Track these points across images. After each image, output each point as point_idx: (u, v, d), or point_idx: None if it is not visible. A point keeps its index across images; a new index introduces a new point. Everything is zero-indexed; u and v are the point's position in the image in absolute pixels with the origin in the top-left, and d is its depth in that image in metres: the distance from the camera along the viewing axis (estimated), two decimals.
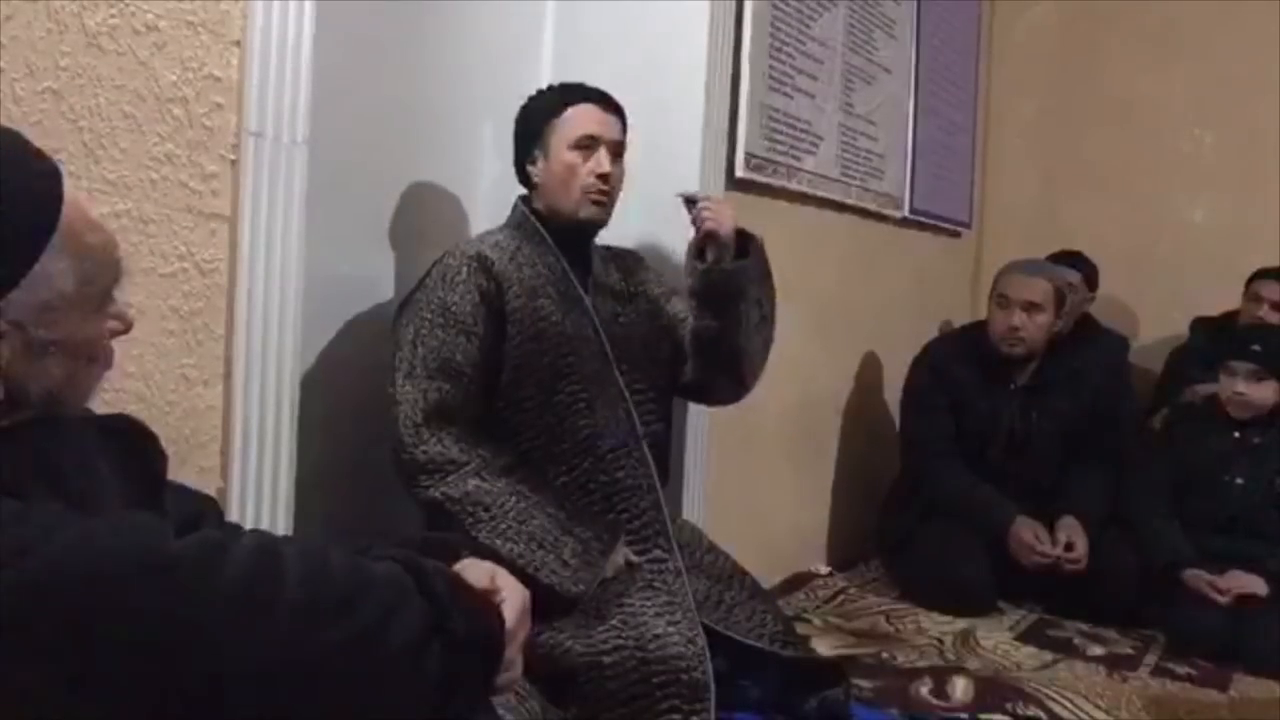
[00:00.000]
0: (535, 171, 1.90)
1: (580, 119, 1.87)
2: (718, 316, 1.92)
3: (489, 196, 2.26)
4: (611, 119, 1.90)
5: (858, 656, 2.38)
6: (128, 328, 0.97)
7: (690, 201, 1.90)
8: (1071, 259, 3.39)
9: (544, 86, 1.97)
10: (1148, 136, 3.90)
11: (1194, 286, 3.65)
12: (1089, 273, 3.43)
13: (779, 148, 2.64)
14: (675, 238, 2.13)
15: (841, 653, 2.38)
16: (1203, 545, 2.62)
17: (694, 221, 1.90)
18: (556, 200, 1.89)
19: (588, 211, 1.88)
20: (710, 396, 2.15)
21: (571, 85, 1.92)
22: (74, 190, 0.91)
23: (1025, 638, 2.60)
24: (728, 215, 1.89)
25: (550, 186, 1.89)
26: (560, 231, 1.90)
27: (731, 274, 1.88)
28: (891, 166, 3.28)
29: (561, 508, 1.77)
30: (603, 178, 1.86)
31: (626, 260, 2.03)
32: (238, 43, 1.51)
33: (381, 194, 2.06)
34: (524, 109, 1.93)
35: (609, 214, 1.91)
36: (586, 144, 1.86)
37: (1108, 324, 3.57)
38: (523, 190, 1.96)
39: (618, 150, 1.90)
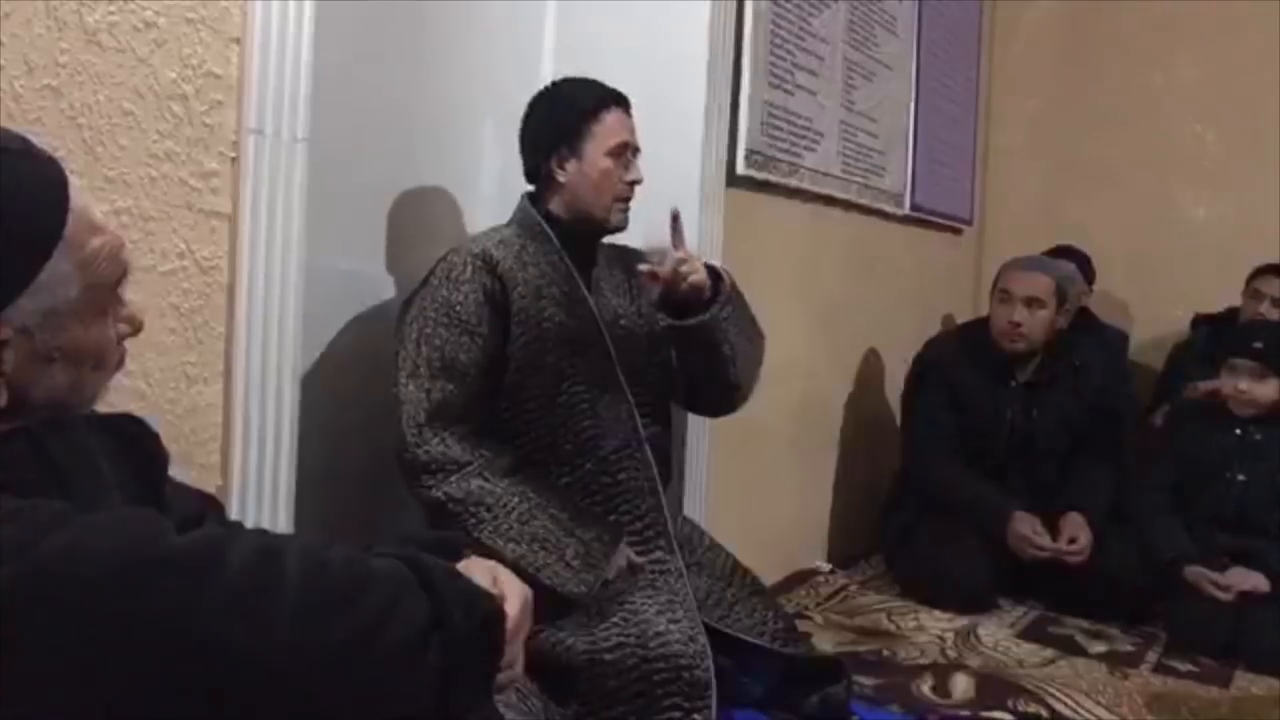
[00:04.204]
0: (563, 173, 1.86)
1: (616, 126, 1.85)
2: (696, 361, 1.92)
3: (490, 194, 2.25)
4: (633, 123, 1.89)
5: (859, 654, 2.39)
6: (138, 330, 0.97)
7: (675, 219, 1.86)
8: (1065, 254, 3.39)
9: (562, 78, 1.93)
10: (1149, 133, 3.89)
11: (1195, 283, 3.65)
12: (1084, 266, 3.44)
13: (780, 144, 2.64)
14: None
15: (843, 650, 2.39)
16: (1205, 542, 2.62)
17: (664, 274, 1.83)
18: (586, 205, 1.87)
19: (618, 219, 1.89)
20: (704, 414, 2.17)
21: (595, 85, 1.88)
22: (80, 193, 0.91)
23: (1026, 635, 2.61)
24: (699, 265, 1.86)
25: (582, 191, 1.86)
26: (568, 231, 1.89)
27: (697, 328, 1.85)
28: (892, 163, 3.28)
29: (564, 509, 1.76)
30: (633, 184, 1.87)
31: (629, 259, 2.01)
32: (237, 40, 1.50)
33: (382, 191, 2.05)
34: (551, 103, 1.88)
35: (629, 219, 1.92)
36: (620, 151, 1.85)
37: (1109, 320, 3.58)
38: (526, 187, 1.94)
39: (637, 154, 1.90)
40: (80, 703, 0.77)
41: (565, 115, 1.86)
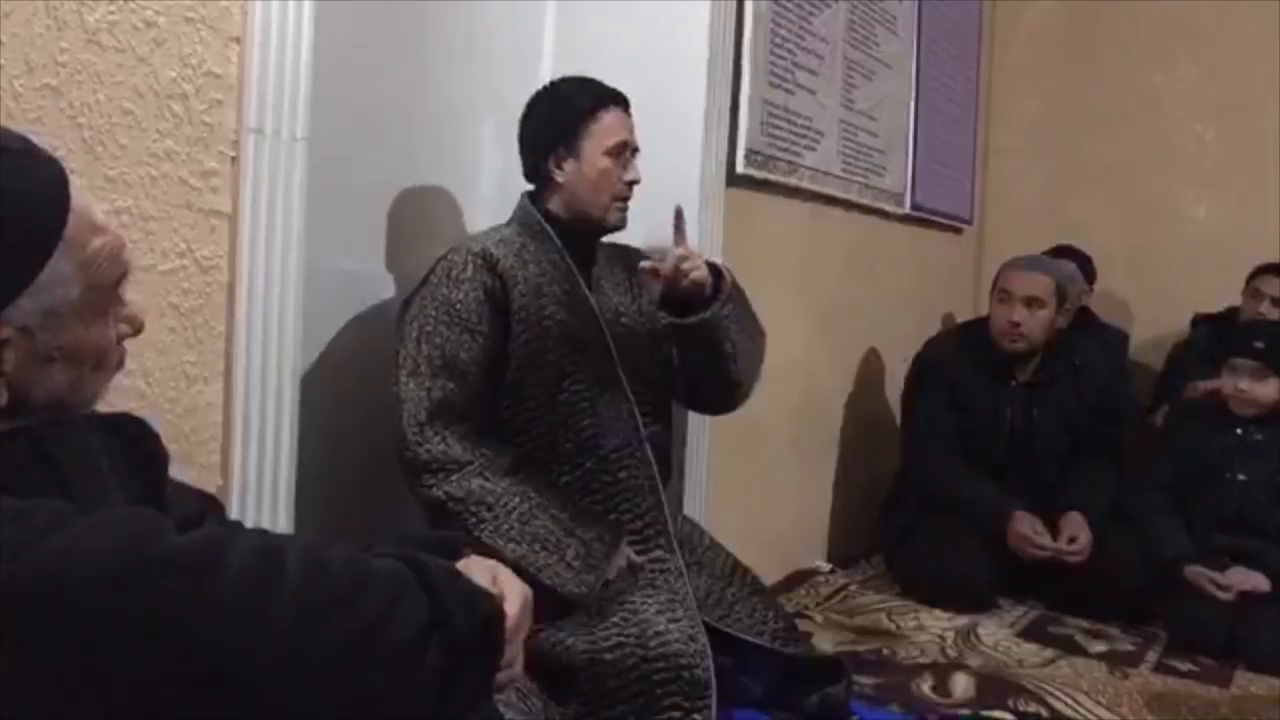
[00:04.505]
0: (561, 172, 1.87)
1: (615, 125, 1.86)
2: (697, 359, 1.92)
3: (490, 194, 2.25)
4: (631, 122, 1.89)
5: (859, 653, 2.39)
6: (138, 330, 0.97)
7: (678, 216, 1.86)
8: (1065, 254, 3.39)
9: (560, 77, 1.93)
10: (1149, 132, 3.89)
11: (1195, 282, 3.65)
12: (1084, 266, 3.44)
13: (780, 143, 2.64)
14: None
15: (843, 649, 2.39)
16: (1205, 542, 2.62)
17: (667, 274, 1.84)
18: (584, 204, 1.87)
19: (616, 218, 1.89)
20: (705, 412, 2.17)
21: (593, 84, 1.88)
22: (80, 193, 0.91)
23: (1027, 634, 2.60)
24: (700, 262, 1.87)
25: (580, 190, 1.87)
26: (568, 230, 1.89)
27: (698, 325, 1.86)
28: (893, 162, 3.28)
29: (565, 509, 1.76)
30: (631, 184, 1.87)
31: (630, 258, 2.01)
32: (237, 39, 1.50)
33: (382, 190, 2.05)
34: (550, 103, 1.88)
35: (627, 218, 1.92)
36: (619, 150, 1.86)
37: (1109, 320, 3.58)
38: (526, 186, 1.94)
39: (635, 154, 1.90)
40: (80, 702, 0.77)
41: (563, 115, 1.86)
